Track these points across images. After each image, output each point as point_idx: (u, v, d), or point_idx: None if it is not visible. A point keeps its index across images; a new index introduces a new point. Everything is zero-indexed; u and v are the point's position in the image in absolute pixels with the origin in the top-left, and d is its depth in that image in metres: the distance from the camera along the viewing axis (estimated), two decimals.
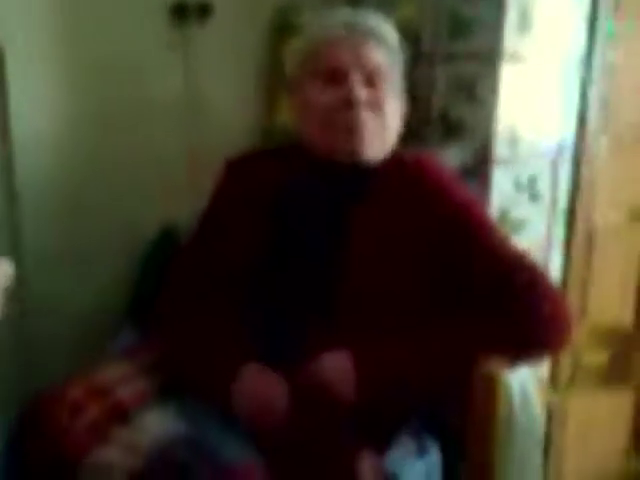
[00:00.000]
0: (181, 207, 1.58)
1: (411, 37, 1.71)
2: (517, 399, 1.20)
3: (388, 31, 1.26)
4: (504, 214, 1.70)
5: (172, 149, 1.65)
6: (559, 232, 1.85)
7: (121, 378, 1.19)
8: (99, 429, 1.07)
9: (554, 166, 1.78)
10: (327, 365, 1.10)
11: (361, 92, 1.18)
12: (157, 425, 1.10)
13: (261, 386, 1.10)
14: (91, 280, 1.57)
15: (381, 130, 1.21)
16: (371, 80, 1.20)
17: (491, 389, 1.07)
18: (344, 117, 1.18)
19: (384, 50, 1.23)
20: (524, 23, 1.60)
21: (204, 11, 1.65)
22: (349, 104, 1.17)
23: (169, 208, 1.61)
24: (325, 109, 1.19)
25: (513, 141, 1.66)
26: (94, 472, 1.00)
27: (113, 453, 1.03)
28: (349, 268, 1.18)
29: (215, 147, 1.64)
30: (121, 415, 1.12)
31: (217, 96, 1.70)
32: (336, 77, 1.19)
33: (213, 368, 1.14)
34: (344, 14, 1.24)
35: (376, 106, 1.20)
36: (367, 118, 1.18)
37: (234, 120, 1.75)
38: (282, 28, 1.75)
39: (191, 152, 1.66)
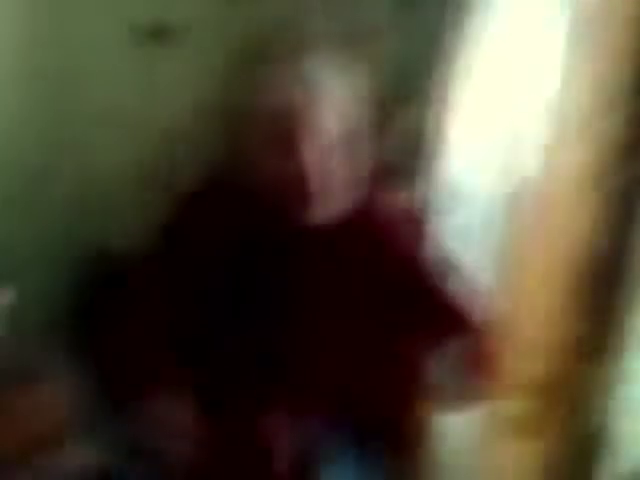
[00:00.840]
0: (121, 227, 1.57)
1: None
2: (450, 442, 1.24)
3: (343, 87, 1.27)
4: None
5: (121, 168, 1.63)
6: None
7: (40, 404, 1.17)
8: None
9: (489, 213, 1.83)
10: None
11: (316, 158, 1.20)
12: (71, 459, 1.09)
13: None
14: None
15: (339, 189, 1.24)
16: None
17: (423, 432, 1.10)
18: (299, 183, 1.21)
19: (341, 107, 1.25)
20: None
21: (169, 34, 1.62)
22: (305, 172, 1.20)
23: (109, 226, 1.60)
24: (278, 174, 1.23)
25: (454, 191, 1.71)
26: None
27: None
28: (297, 312, 1.23)
29: (174, 170, 1.63)
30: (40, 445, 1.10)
31: (175, 121, 1.69)
32: (291, 140, 1.20)
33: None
34: (300, 72, 1.25)
35: (334, 166, 1.23)
36: (324, 181, 1.22)
37: (195, 145, 1.73)
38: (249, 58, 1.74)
39: (141, 171, 1.65)
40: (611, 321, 2.37)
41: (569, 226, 2.16)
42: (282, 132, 1.20)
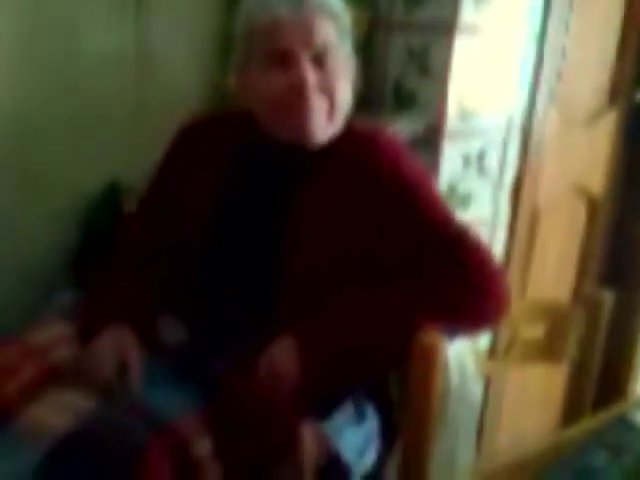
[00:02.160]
0: (126, 165, 1.55)
1: (367, 5, 1.70)
2: (454, 369, 1.23)
3: (338, 5, 1.19)
4: (452, 187, 1.72)
5: (120, 106, 1.60)
6: (504, 207, 1.88)
7: (56, 340, 1.17)
8: (34, 390, 1.05)
9: (503, 142, 1.80)
10: (274, 351, 1.11)
11: (311, 76, 1.13)
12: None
13: (105, 345, 1.12)
14: (31, 234, 1.53)
15: (331, 111, 1.18)
16: (320, 60, 1.15)
17: (429, 358, 1.08)
18: (294, 102, 1.14)
19: (333, 25, 1.16)
20: None
21: None
22: (299, 89, 1.13)
23: (113, 166, 1.57)
24: (274, 93, 1.15)
25: (463, 115, 1.67)
26: (26, 431, 0.99)
27: (47, 413, 1.01)
28: (293, 246, 1.18)
29: (165, 106, 1.60)
30: (57, 377, 1.10)
31: (169, 54, 1.65)
32: (284, 59, 1.14)
33: (89, 319, 1.18)
34: None
35: (326, 88, 1.15)
36: (317, 101, 1.14)
37: (185, 79, 1.70)
38: None
39: (139, 109, 1.62)
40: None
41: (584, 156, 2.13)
42: (278, 49, 1.14)
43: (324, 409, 1.15)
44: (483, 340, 1.65)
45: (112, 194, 1.54)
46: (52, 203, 1.54)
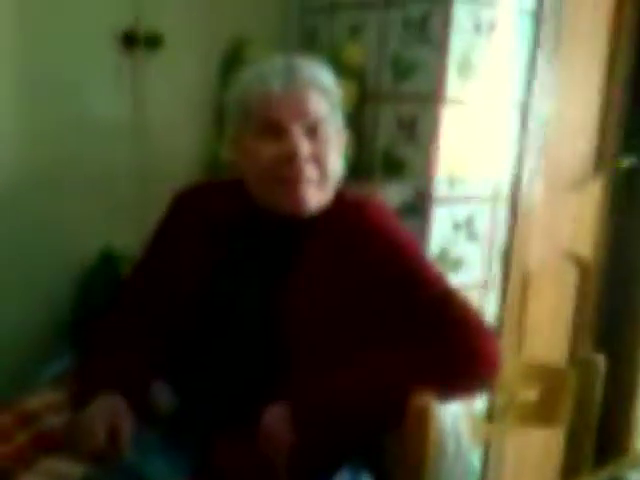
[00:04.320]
0: (122, 232, 1.57)
1: (357, 77, 1.77)
2: (449, 433, 1.22)
3: (327, 78, 1.23)
4: (443, 252, 1.75)
5: (116, 173, 1.64)
6: (496, 271, 1.90)
7: (49, 407, 1.17)
8: (26, 456, 1.04)
9: (492, 207, 1.84)
10: (268, 419, 1.10)
11: (303, 147, 1.16)
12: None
13: (96, 413, 1.11)
14: (27, 302, 1.54)
15: (322, 181, 1.20)
16: (312, 131, 1.19)
17: (423, 422, 1.07)
18: (285, 172, 1.17)
19: (324, 99, 1.21)
20: (465, 68, 1.67)
21: (154, 40, 1.67)
22: (290, 159, 1.16)
23: (110, 232, 1.60)
24: (266, 164, 1.18)
25: (452, 182, 1.72)
26: None
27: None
28: (287, 312, 1.18)
29: (159, 174, 1.64)
30: (49, 444, 1.10)
31: (164, 124, 1.71)
32: (277, 130, 1.17)
33: (82, 386, 1.17)
34: (282, 64, 1.21)
35: (317, 158, 1.19)
36: (308, 171, 1.17)
37: (180, 148, 1.75)
38: (232, 61, 1.77)
39: (135, 177, 1.66)
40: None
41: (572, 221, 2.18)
42: (271, 121, 1.18)
43: (320, 475, 1.14)
44: (479, 404, 1.64)
45: (108, 260, 1.55)
46: (49, 268, 1.55)
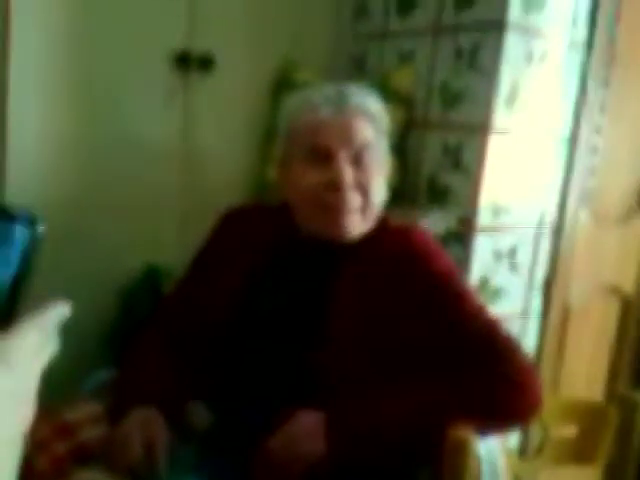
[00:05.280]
0: (167, 250, 1.59)
1: (405, 104, 1.78)
2: (485, 467, 1.20)
3: (376, 105, 1.24)
4: (484, 282, 1.73)
5: (164, 192, 1.68)
6: (536, 303, 1.88)
7: (88, 419, 1.18)
8: (62, 467, 1.06)
9: (535, 238, 1.82)
10: (298, 424, 1.10)
11: (348, 174, 1.17)
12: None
13: (133, 427, 1.12)
14: (72, 315, 1.56)
15: (365, 208, 1.21)
16: (358, 158, 1.19)
17: (461, 455, 1.07)
18: (330, 199, 1.18)
19: (371, 126, 1.21)
20: (513, 98, 1.67)
21: (207, 62, 1.70)
22: (336, 186, 1.17)
23: (155, 249, 1.62)
24: (311, 189, 1.19)
25: (496, 211, 1.71)
26: None
27: None
28: (325, 336, 1.18)
29: (206, 194, 1.67)
30: (86, 456, 1.11)
31: (213, 145, 1.74)
32: (323, 157, 1.18)
33: (119, 400, 1.18)
34: (331, 91, 1.22)
35: (362, 186, 1.19)
36: (352, 198, 1.18)
37: (227, 169, 1.78)
38: (281, 84, 1.80)
39: (182, 197, 1.69)
40: None
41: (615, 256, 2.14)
42: (318, 147, 1.19)
43: None
44: (513, 439, 1.62)
45: (151, 276, 1.58)
46: (95, 282, 1.58)
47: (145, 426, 1.12)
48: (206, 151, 1.73)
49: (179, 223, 1.67)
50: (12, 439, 0.40)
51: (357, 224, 1.20)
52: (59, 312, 0.45)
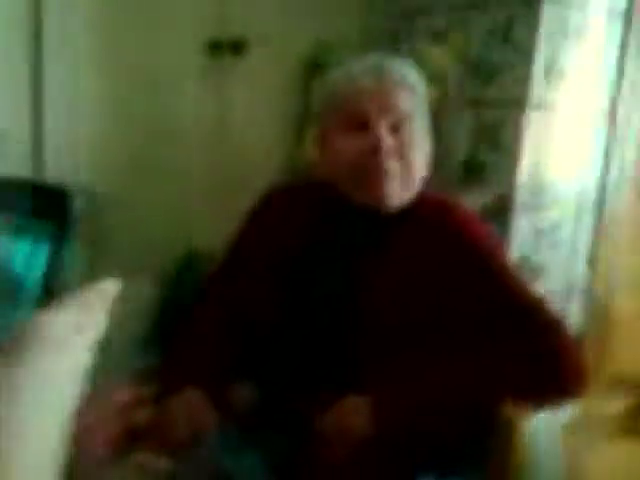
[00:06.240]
0: (207, 231, 1.61)
1: (439, 82, 1.76)
2: (539, 444, 1.19)
3: (415, 77, 1.23)
4: (523, 259, 1.71)
5: (201, 175, 1.69)
6: (578, 280, 1.85)
7: (138, 400, 1.20)
8: (115, 447, 1.08)
9: (576, 214, 1.79)
10: (345, 406, 1.11)
11: (387, 140, 1.16)
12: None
13: (180, 408, 1.14)
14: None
15: (406, 177, 1.19)
16: (398, 127, 1.18)
17: (512, 433, 1.06)
18: (369, 165, 1.17)
19: (411, 97, 1.20)
20: (551, 72, 1.63)
21: (239, 46, 1.70)
22: (375, 152, 1.16)
23: (196, 231, 1.64)
24: (350, 157, 1.18)
25: (535, 188, 1.68)
26: None
27: (127, 474, 1.03)
28: (367, 309, 1.18)
29: (242, 176, 1.68)
30: (136, 437, 1.13)
31: (247, 128, 1.74)
32: (363, 125, 1.18)
33: (166, 383, 1.17)
34: (372, 61, 1.22)
35: (401, 153, 1.18)
36: (392, 165, 1.17)
37: (262, 152, 1.78)
38: (314, 65, 1.80)
39: (218, 180, 1.70)
40: None
41: None
42: (358, 114, 1.18)
43: (400, 474, 1.14)
44: (563, 414, 1.60)
45: (193, 260, 1.59)
46: (135, 264, 1.60)
47: (192, 407, 1.14)
48: (240, 135, 1.73)
49: (216, 206, 1.68)
50: (58, 417, 0.39)
51: (397, 191, 1.19)
52: (107, 291, 0.44)
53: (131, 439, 1.13)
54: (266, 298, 1.25)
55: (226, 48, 1.70)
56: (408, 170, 1.19)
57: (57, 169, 1.52)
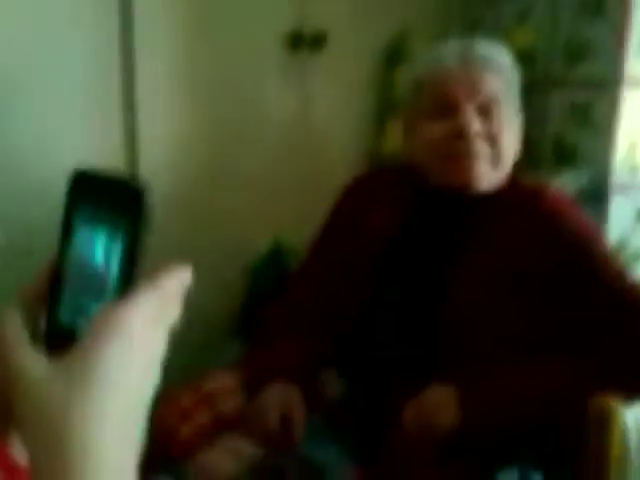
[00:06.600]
0: (291, 225, 1.62)
1: (526, 62, 1.69)
2: (633, 436, 1.14)
3: (503, 59, 1.21)
4: (622, 244, 1.63)
5: (283, 169, 1.71)
6: None
7: (225, 390, 1.23)
8: (205, 435, 1.11)
9: None
10: (431, 397, 1.10)
11: (475, 123, 1.15)
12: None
13: (271, 400, 1.15)
14: (202, 291, 1.62)
15: (495, 160, 1.17)
16: (486, 110, 1.16)
17: (606, 425, 1.02)
18: (457, 148, 1.15)
19: (499, 79, 1.18)
20: None
21: (319, 40, 1.71)
22: (461, 134, 1.15)
23: (279, 226, 1.66)
24: (438, 140, 1.17)
25: (632, 169, 1.60)
26: (200, 473, 1.04)
27: (218, 458, 1.06)
28: (456, 298, 1.16)
29: (324, 170, 1.68)
30: (226, 425, 1.15)
31: (329, 121, 1.75)
32: (450, 109, 1.17)
33: (256, 374, 1.21)
34: (458, 45, 1.21)
35: (491, 136, 1.16)
36: (481, 149, 1.15)
37: (343, 144, 1.79)
38: (394, 56, 1.78)
39: (301, 173, 1.71)
40: None
41: None
42: (445, 98, 1.17)
43: (484, 468, 1.11)
44: None
45: (276, 253, 1.61)
46: (223, 259, 1.64)
47: (283, 399, 1.16)
48: (323, 128, 1.74)
49: (300, 200, 1.69)
50: (136, 410, 0.39)
51: (486, 173, 1.16)
52: (181, 277, 0.43)
53: (221, 427, 1.16)
54: (354, 290, 1.25)
55: (306, 42, 1.71)
56: (497, 153, 1.17)
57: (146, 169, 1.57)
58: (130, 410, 0.38)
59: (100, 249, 0.42)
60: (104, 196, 0.42)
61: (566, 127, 1.67)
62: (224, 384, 1.24)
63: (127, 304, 0.39)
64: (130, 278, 0.41)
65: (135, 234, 0.41)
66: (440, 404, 1.08)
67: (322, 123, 1.75)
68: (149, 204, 0.42)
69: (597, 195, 1.59)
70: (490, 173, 1.17)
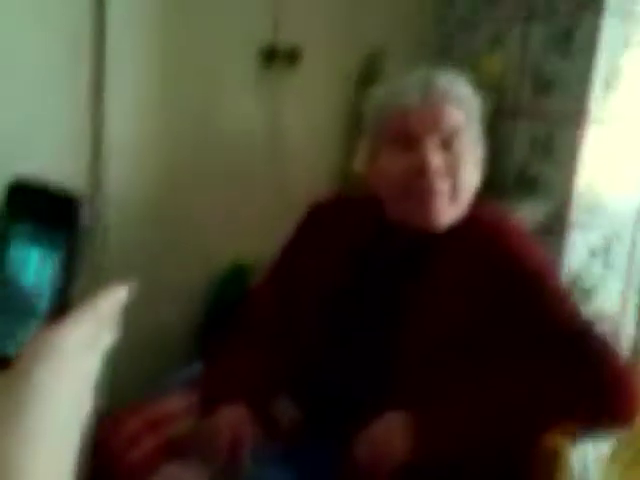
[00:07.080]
0: (255, 242, 1.61)
1: (495, 90, 1.71)
2: (578, 474, 1.16)
3: (465, 91, 1.20)
4: (577, 279, 1.66)
5: (251, 184, 1.69)
6: (632, 303, 1.78)
7: (177, 413, 1.20)
8: (153, 461, 1.08)
9: (633, 232, 1.72)
10: (383, 426, 1.10)
11: (435, 158, 1.14)
12: None
13: (221, 421, 1.14)
14: (160, 308, 1.60)
15: (454, 195, 1.17)
16: (447, 143, 1.16)
17: (554, 464, 1.03)
18: (417, 185, 1.15)
19: (460, 111, 1.18)
20: (611, 84, 1.57)
21: (294, 55, 1.69)
22: (422, 171, 1.14)
23: (243, 242, 1.64)
24: (398, 176, 1.16)
25: (591, 204, 1.62)
26: None
27: None
28: (412, 328, 1.17)
29: (293, 186, 1.67)
30: (174, 449, 1.13)
31: (299, 138, 1.75)
32: (411, 142, 1.16)
33: (208, 395, 1.18)
34: (420, 76, 1.20)
35: (451, 171, 1.16)
36: (441, 186, 1.15)
37: (314, 161, 1.78)
38: (366, 76, 1.77)
39: (269, 189, 1.70)
40: None
41: None
42: (405, 134, 1.16)
43: None
44: (604, 445, 1.55)
45: (238, 272, 1.59)
46: (182, 276, 1.62)
47: (233, 422, 1.14)
48: (292, 144, 1.73)
49: (264, 217, 1.68)
50: (68, 434, 0.39)
51: (445, 210, 1.17)
52: (117, 298, 0.43)
53: (170, 452, 1.13)
54: (310, 315, 1.24)
55: (280, 57, 1.69)
56: (457, 187, 1.17)
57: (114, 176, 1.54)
58: (60, 431, 0.38)
59: (33, 267, 0.41)
60: (40, 210, 0.41)
61: (530, 157, 1.69)
62: (175, 407, 1.22)
63: (61, 329, 0.39)
64: (64, 295, 0.41)
65: (72, 248, 0.41)
66: (392, 432, 1.08)
67: (292, 139, 1.74)
68: (87, 217, 0.41)
69: (555, 228, 1.62)
70: (449, 209, 1.17)
